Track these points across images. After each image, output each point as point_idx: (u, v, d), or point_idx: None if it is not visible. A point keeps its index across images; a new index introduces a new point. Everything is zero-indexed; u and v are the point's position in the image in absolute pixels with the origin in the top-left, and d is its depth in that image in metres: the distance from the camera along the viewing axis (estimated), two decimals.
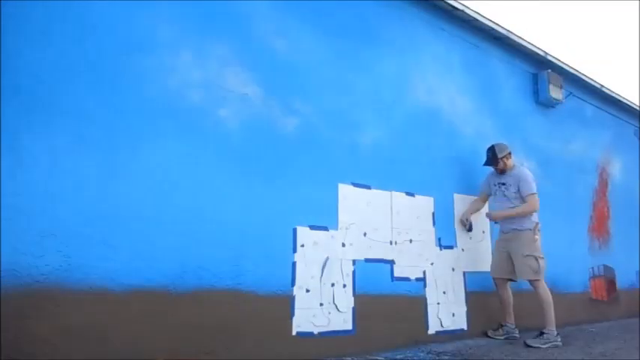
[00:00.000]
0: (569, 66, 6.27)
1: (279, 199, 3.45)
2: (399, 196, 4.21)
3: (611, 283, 6.78)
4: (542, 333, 4.23)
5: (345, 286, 3.70)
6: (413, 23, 4.64)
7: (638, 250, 7.32)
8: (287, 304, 3.39)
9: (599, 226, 6.76)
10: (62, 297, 2.56)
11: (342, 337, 3.62)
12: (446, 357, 3.68)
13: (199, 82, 3.22)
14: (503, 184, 4.54)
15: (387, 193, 4.12)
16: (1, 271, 2.42)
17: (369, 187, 4.00)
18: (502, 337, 4.45)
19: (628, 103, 7.54)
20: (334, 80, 3.92)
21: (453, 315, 4.40)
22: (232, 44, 3.40)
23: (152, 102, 3.01)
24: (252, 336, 3.18)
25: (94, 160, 2.76)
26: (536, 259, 4.35)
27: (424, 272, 4.25)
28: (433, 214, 4.43)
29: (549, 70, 5.94)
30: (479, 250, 4.80)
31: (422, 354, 3.74)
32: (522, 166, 4.82)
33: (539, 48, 5.80)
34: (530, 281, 4.41)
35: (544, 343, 4.14)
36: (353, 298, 3.73)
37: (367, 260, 3.89)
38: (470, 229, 4.69)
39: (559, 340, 4.22)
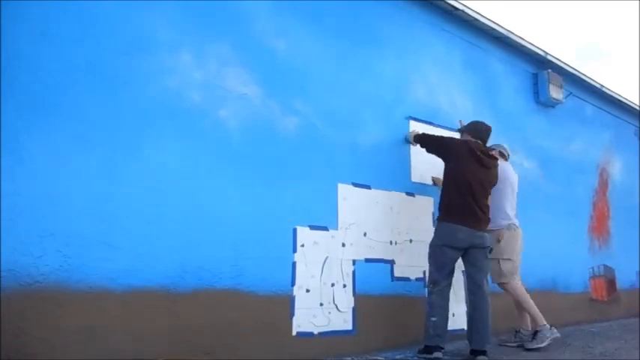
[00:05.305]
0: (569, 66, 6.27)
1: (279, 198, 3.45)
2: (399, 196, 4.21)
3: (611, 283, 6.78)
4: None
5: (345, 286, 3.70)
6: (413, 23, 4.64)
7: (638, 250, 7.32)
8: (287, 304, 3.39)
9: (599, 226, 6.76)
10: (62, 297, 2.56)
11: (342, 337, 3.62)
12: (446, 357, 3.68)
13: (199, 82, 3.22)
14: None
15: (387, 193, 4.12)
16: (1, 271, 2.42)
17: (369, 187, 4.00)
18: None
19: (628, 103, 7.54)
20: (334, 80, 3.92)
21: (453, 315, 4.38)
22: (232, 44, 3.40)
23: (152, 102, 3.01)
24: (252, 336, 3.18)
25: (94, 161, 2.76)
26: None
27: (424, 272, 4.24)
28: (433, 214, 4.42)
29: (549, 70, 5.93)
30: None
31: None
32: None
33: (539, 48, 5.80)
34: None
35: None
36: (353, 298, 3.73)
37: (367, 260, 3.88)
38: None
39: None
